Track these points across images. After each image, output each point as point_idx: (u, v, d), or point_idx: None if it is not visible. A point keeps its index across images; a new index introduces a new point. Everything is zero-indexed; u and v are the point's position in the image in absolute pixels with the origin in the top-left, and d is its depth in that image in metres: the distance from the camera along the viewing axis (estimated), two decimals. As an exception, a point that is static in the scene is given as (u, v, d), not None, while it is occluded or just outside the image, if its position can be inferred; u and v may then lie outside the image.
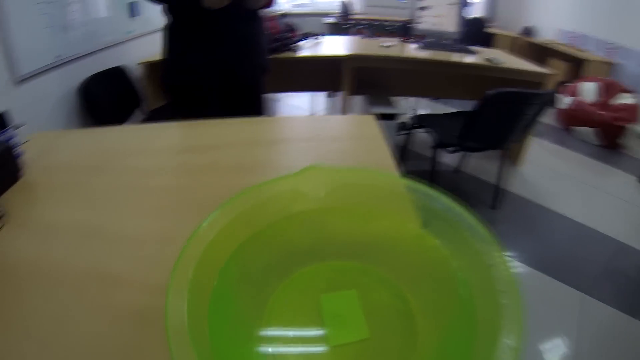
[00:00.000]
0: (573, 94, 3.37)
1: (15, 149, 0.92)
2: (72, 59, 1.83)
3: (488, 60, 2.30)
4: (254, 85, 1.54)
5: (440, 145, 1.85)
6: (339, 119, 1.19)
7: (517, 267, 1.79)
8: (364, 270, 0.51)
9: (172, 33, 1.40)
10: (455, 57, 2.36)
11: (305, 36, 2.55)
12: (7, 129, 0.95)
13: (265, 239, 0.50)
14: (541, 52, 4.70)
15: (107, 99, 2.00)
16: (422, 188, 0.49)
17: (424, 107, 3.76)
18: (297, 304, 0.47)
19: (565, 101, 3.37)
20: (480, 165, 2.58)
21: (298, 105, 3.69)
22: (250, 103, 1.57)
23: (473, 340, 0.36)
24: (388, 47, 2.48)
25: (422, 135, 2.67)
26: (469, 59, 2.37)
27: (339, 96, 3.07)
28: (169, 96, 1.48)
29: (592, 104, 3.25)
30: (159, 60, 1.45)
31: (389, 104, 2.45)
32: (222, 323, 0.39)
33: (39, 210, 0.80)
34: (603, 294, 1.63)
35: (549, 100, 1.71)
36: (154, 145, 1.04)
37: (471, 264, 0.41)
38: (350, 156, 0.94)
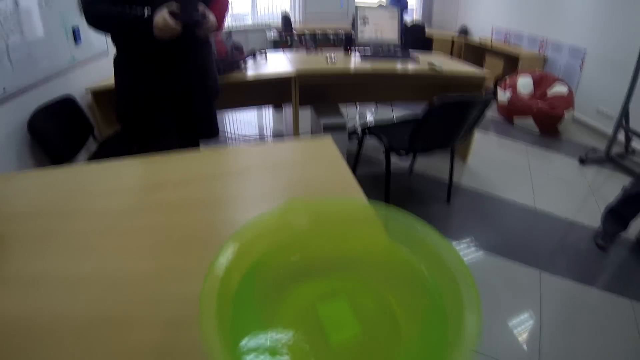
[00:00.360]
0: (511, 88, 3.64)
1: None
2: (18, 92, 1.77)
3: (430, 65, 2.44)
4: (207, 110, 1.57)
5: (390, 149, 1.96)
6: (298, 145, 1.24)
7: (476, 253, 1.90)
8: (349, 280, 0.59)
9: (123, 63, 1.40)
10: (399, 66, 2.48)
11: (252, 54, 2.59)
12: None
13: (264, 265, 0.56)
14: (478, 51, 5.01)
15: (57, 130, 1.94)
16: (384, 209, 0.57)
17: (371, 112, 3.91)
18: (298, 314, 0.54)
19: (505, 95, 3.64)
20: (432, 164, 2.71)
21: (247, 120, 3.69)
22: (204, 127, 1.59)
23: (445, 323, 0.43)
24: (333, 62, 2.55)
25: (372, 141, 2.80)
26: (412, 66, 2.49)
27: (287, 108, 3.11)
28: (123, 126, 1.47)
29: (530, 96, 3.53)
30: (109, 88, 1.44)
31: (337, 113, 2.53)
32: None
33: (13, 263, 0.76)
34: (559, 269, 1.77)
35: (488, 103, 1.86)
36: (121, 184, 1.03)
37: (431, 262, 0.50)
38: (315, 181, 0.98)
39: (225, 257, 0.50)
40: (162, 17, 1.21)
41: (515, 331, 1.48)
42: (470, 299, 0.42)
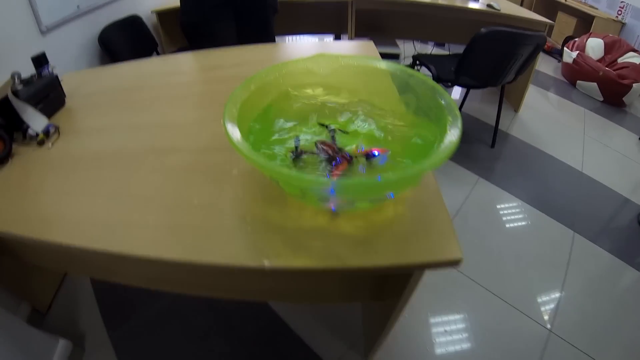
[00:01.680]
0: (579, 49, 3.38)
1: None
2: (91, 10, 1.93)
3: (489, 4, 2.35)
4: (265, 25, 1.62)
5: (437, 80, 1.94)
6: (344, 43, 1.32)
7: (513, 200, 1.90)
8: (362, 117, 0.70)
9: None
10: (459, 2, 2.40)
11: None
12: (46, 66, 1.07)
13: (286, 100, 0.66)
14: (551, 6, 4.62)
15: (124, 46, 2.10)
16: (400, 67, 0.68)
17: (425, 50, 3.76)
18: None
19: (571, 55, 3.39)
20: (482, 108, 2.66)
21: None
22: (262, 40, 1.67)
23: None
24: None
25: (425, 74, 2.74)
26: (472, 4, 2.41)
27: (345, 38, 3.12)
28: (187, 34, 1.57)
29: (598, 60, 3.27)
30: (172, 9, 1.52)
31: (393, 44, 2.51)
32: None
33: (86, 122, 0.94)
34: (594, 236, 1.73)
35: (541, 43, 1.77)
36: (184, 68, 1.17)
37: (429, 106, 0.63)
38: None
39: (247, 88, 0.60)
40: None
41: (539, 285, 1.50)
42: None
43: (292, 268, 0.49)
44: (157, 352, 1.24)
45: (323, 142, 0.65)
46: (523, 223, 1.79)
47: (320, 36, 3.65)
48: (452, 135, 0.52)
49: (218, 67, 1.13)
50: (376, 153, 0.62)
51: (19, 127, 0.89)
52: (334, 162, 0.60)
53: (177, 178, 0.65)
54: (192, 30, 1.54)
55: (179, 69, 1.16)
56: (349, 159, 0.61)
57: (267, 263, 0.48)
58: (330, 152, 0.62)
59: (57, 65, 1.15)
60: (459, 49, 3.37)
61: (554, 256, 1.63)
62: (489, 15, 2.36)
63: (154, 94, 1.02)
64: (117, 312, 1.36)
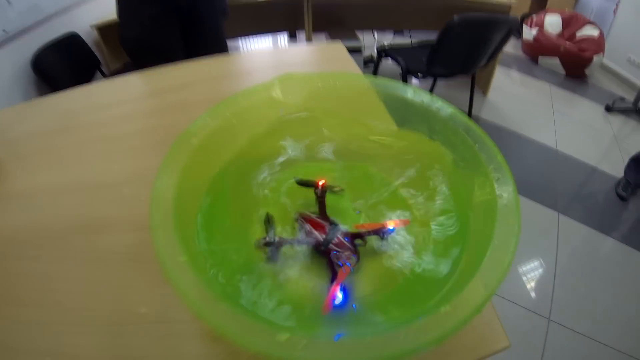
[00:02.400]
0: (538, 26, 3.39)
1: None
2: (19, 32, 1.72)
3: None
4: (216, 32, 1.48)
5: (407, 72, 1.85)
6: (306, 48, 1.17)
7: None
8: (351, 167, 0.53)
9: None
10: None
11: None
12: None
13: (250, 154, 0.50)
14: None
15: (63, 68, 1.89)
16: (399, 86, 0.49)
17: (387, 40, 3.68)
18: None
19: (530, 33, 3.40)
20: (451, 93, 2.61)
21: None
22: (214, 49, 1.52)
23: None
24: None
25: (388, 67, 2.63)
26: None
27: (301, 36, 2.97)
28: (128, 51, 1.41)
29: (557, 36, 3.29)
30: (114, 22, 1.36)
31: (353, 37, 2.40)
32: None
33: (9, 183, 0.77)
34: (578, 214, 1.72)
35: (514, 26, 1.71)
36: (120, 97, 1.00)
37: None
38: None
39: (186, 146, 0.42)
40: None
41: (530, 274, 1.47)
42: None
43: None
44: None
45: (304, 216, 0.43)
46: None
47: (274, 35, 3.48)
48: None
49: (162, 92, 0.97)
50: (391, 227, 0.40)
51: None
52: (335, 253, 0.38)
53: (115, 273, 0.50)
54: (133, 45, 1.37)
55: (114, 98, 0.99)
56: (353, 249, 0.39)
57: None
58: (317, 234, 0.40)
59: None
60: (420, 35, 3.34)
61: (542, 240, 1.60)
62: (451, 2, 2.28)
63: (84, 137, 0.85)
64: None
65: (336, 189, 0.48)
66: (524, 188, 1.85)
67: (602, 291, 1.41)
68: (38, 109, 1.05)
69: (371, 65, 2.79)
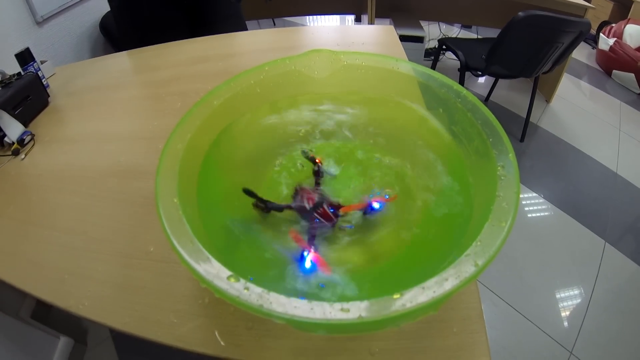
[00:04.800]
0: (617, 35, 3.11)
1: (42, 79, 0.97)
2: None
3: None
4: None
5: (466, 67, 1.78)
6: (357, 28, 1.17)
7: (542, 204, 1.76)
8: (365, 148, 0.53)
9: None
10: None
11: None
12: (32, 63, 1.00)
13: (264, 116, 0.52)
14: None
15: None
16: (431, 72, 0.49)
17: (451, 33, 3.54)
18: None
19: (607, 42, 3.13)
20: (511, 97, 2.48)
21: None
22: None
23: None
24: None
25: (449, 62, 2.55)
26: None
27: (366, 20, 2.96)
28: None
29: (637, 49, 3.00)
30: None
31: (417, 26, 2.34)
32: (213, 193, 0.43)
33: (64, 128, 0.86)
34: (627, 248, 1.58)
35: (584, 30, 1.59)
36: (171, 60, 1.06)
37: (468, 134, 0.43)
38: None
39: (208, 104, 0.45)
40: None
41: (562, 301, 1.39)
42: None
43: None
44: (158, 348, 1.21)
45: (301, 187, 0.47)
46: (551, 229, 1.65)
47: (341, 16, 3.47)
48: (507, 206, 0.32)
49: (206, 59, 1.01)
50: (376, 205, 0.44)
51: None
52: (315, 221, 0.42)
53: (137, 214, 0.55)
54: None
55: (166, 62, 1.05)
56: (332, 219, 0.43)
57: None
58: (306, 203, 0.44)
59: (54, 57, 1.07)
60: (488, 32, 3.17)
61: (582, 268, 1.49)
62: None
63: (132, 93, 0.93)
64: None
65: (332, 169, 0.51)
66: (573, 207, 1.73)
67: (634, 337, 1.29)
68: (99, 65, 1.15)
69: (430, 56, 2.71)
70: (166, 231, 0.32)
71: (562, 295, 1.40)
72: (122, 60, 1.14)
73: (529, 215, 1.73)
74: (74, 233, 0.54)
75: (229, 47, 1.07)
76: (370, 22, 2.30)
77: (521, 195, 1.77)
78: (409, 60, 0.92)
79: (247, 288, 0.27)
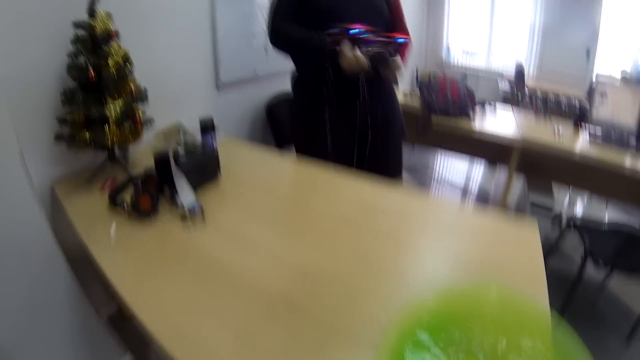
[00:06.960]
0: None
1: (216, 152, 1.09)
2: (265, 76, 2.07)
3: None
4: (392, 149, 1.51)
5: (590, 254, 1.66)
6: (486, 219, 1.03)
7: None
8: None
9: (306, 87, 1.41)
10: (629, 161, 2.03)
11: (482, 103, 2.50)
12: (211, 133, 1.11)
13: None
14: None
15: (286, 119, 2.12)
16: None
17: (583, 201, 3.30)
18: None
19: None
20: (628, 288, 2.17)
21: (456, 166, 3.65)
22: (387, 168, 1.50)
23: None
24: (561, 136, 2.27)
25: (574, 236, 2.39)
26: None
27: (499, 169, 2.92)
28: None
29: None
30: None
31: (548, 191, 2.26)
32: None
33: (231, 212, 0.95)
34: None
35: None
36: (336, 191, 1.10)
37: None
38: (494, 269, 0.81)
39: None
40: (350, 47, 1.19)
41: None
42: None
43: None
44: None
45: None
46: None
47: (472, 159, 3.45)
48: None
49: (370, 207, 1.01)
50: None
51: (169, 187, 0.96)
52: None
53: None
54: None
55: (329, 189, 1.09)
56: None
57: None
58: None
59: (222, 121, 1.13)
60: (618, 208, 2.92)
61: None
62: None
63: (302, 213, 0.99)
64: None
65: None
66: None
67: None
68: (262, 158, 1.25)
69: (556, 223, 2.58)
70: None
71: None
72: (284, 164, 1.23)
73: None
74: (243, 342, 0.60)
75: (382, 201, 1.06)
76: (509, 182, 2.29)
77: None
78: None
79: None
